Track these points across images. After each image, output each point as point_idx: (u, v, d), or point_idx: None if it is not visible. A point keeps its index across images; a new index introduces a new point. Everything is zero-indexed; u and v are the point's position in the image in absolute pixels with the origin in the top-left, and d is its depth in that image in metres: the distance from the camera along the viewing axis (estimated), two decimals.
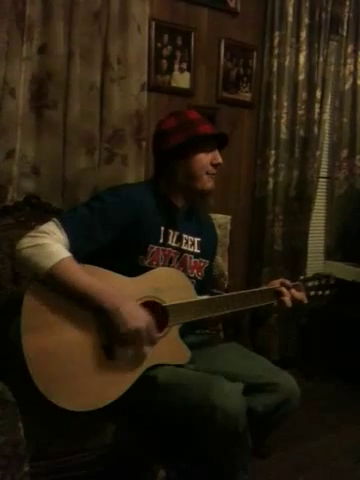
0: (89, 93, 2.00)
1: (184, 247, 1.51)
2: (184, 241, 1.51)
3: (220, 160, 1.49)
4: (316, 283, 1.54)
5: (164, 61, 2.28)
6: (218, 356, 1.47)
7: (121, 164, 2.10)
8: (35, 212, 1.81)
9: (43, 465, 1.25)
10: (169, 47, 2.29)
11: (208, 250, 1.60)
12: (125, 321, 1.24)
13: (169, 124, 1.48)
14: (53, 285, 1.26)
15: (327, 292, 1.55)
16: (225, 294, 1.51)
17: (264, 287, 1.50)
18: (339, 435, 2.16)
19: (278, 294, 1.47)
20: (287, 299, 1.45)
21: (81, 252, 1.31)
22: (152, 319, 1.29)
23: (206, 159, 1.46)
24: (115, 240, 1.38)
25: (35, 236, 1.29)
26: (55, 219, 1.33)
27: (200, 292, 1.49)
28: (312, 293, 1.53)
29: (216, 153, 1.49)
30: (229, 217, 2.24)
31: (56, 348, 1.25)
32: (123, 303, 1.26)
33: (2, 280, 1.64)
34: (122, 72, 2.07)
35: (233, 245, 2.29)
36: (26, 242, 1.28)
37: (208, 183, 1.48)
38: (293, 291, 1.47)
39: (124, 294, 1.30)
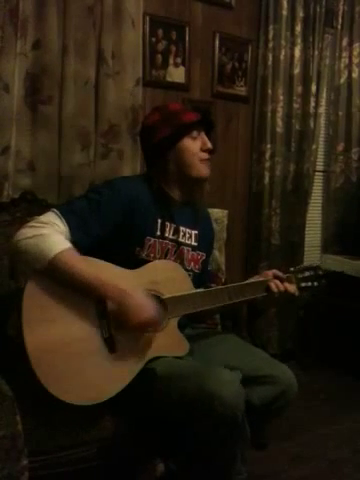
0: (84, 88, 2.00)
1: (181, 240, 1.50)
2: (181, 233, 1.50)
3: (209, 145, 1.48)
4: (306, 274, 1.56)
5: (159, 56, 2.28)
6: (216, 348, 1.48)
7: (117, 159, 2.10)
8: (31, 208, 1.81)
9: (42, 459, 1.25)
10: (164, 42, 2.29)
11: (205, 243, 1.60)
12: (134, 314, 1.25)
13: (153, 119, 1.48)
14: (55, 276, 1.24)
15: (315, 283, 1.57)
16: (222, 286, 1.51)
17: (259, 279, 1.51)
18: (337, 426, 2.17)
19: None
20: (273, 285, 1.47)
21: (80, 243, 1.30)
22: (158, 308, 1.30)
23: (195, 145, 1.46)
24: (112, 232, 1.38)
25: (34, 226, 1.27)
26: (54, 209, 1.32)
27: (197, 285, 1.49)
28: (303, 284, 1.55)
29: (205, 139, 1.48)
30: (226, 211, 2.24)
31: (58, 343, 1.23)
32: (130, 295, 1.26)
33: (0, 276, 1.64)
34: (117, 67, 2.06)
35: (230, 239, 2.29)
36: (25, 233, 1.25)
37: (203, 169, 1.48)
38: (285, 283, 1.49)
39: (128, 284, 1.29)
